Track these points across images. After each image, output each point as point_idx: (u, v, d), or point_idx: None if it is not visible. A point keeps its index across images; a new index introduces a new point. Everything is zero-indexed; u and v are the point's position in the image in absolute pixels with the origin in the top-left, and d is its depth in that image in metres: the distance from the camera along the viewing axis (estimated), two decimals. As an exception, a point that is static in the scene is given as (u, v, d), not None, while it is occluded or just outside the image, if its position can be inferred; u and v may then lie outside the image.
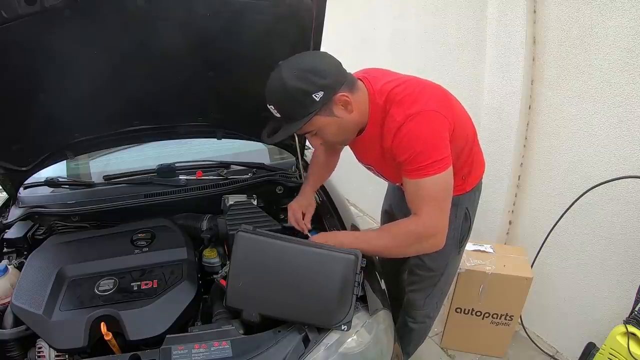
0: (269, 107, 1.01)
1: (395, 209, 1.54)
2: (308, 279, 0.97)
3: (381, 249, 1.11)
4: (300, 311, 0.97)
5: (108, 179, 1.58)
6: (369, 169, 1.33)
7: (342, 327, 0.95)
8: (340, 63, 1.04)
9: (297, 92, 0.96)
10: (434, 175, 1.01)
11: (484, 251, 1.90)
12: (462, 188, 1.28)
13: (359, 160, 1.35)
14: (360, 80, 1.10)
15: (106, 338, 0.95)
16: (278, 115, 1.01)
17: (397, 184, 1.37)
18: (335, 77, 1.00)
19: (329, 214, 1.45)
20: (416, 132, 1.00)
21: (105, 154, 1.82)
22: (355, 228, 1.42)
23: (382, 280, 1.22)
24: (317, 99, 0.97)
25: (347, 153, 1.45)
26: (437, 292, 1.46)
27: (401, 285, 1.53)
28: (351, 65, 1.17)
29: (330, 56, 1.04)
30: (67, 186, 1.57)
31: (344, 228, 1.36)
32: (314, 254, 0.99)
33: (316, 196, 1.51)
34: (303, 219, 1.34)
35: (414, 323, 1.52)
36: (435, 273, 1.39)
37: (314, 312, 0.96)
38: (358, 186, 3.32)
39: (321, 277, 0.97)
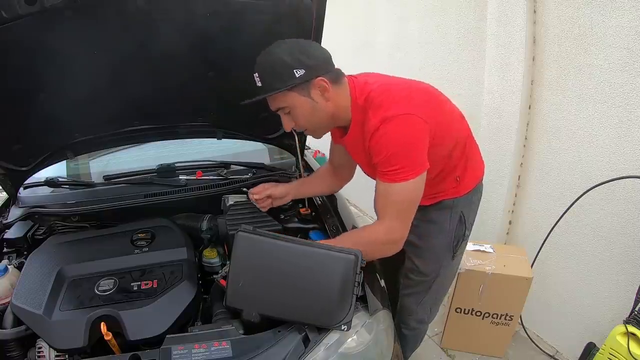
0: (254, 76, 1.04)
1: None
2: (308, 279, 0.97)
3: None
4: (300, 311, 0.97)
5: (108, 179, 1.57)
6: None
7: (342, 327, 0.95)
8: (330, 56, 1.07)
9: (280, 62, 1.00)
10: (403, 181, 1.01)
11: (484, 251, 1.90)
12: (456, 191, 1.25)
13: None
14: (350, 79, 1.12)
15: (106, 338, 0.95)
16: (259, 84, 1.04)
17: None
18: (320, 63, 1.04)
19: (329, 214, 1.45)
20: (389, 136, 1.01)
21: (105, 154, 1.82)
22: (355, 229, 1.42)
23: (382, 280, 1.23)
24: (297, 75, 1.00)
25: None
26: (430, 298, 1.42)
27: (398, 289, 1.52)
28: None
29: (324, 48, 1.07)
30: (67, 186, 1.56)
31: (344, 228, 1.36)
32: (313, 254, 0.99)
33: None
34: (265, 202, 1.37)
35: (406, 329, 1.49)
36: (428, 278, 1.36)
37: (314, 312, 0.96)
38: (358, 186, 3.30)
39: (321, 277, 0.97)
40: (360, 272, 0.98)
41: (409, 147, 1.01)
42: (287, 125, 1.12)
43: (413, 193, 1.04)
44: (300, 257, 0.98)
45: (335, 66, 1.09)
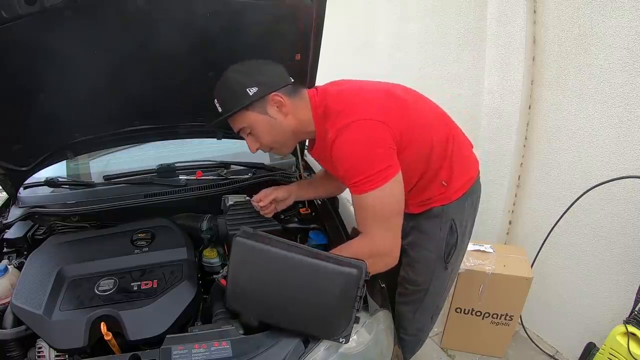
0: (215, 102, 1.06)
1: None
2: (307, 290, 0.92)
3: None
4: (297, 321, 0.94)
5: (108, 179, 1.57)
6: None
7: (340, 340, 0.92)
8: (285, 71, 1.08)
9: (232, 82, 1.02)
10: (373, 190, 0.96)
11: (484, 251, 1.90)
12: (446, 196, 1.19)
13: None
14: (311, 90, 1.11)
15: (106, 338, 0.95)
16: (220, 109, 1.06)
17: None
18: (274, 78, 1.04)
19: (329, 215, 1.45)
20: (346, 147, 0.98)
21: (105, 154, 1.82)
22: (356, 231, 1.41)
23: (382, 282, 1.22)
24: (251, 94, 1.01)
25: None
26: (427, 307, 1.37)
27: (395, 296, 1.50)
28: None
29: (278, 64, 1.08)
30: (67, 186, 1.57)
31: (344, 230, 1.36)
32: (314, 266, 0.92)
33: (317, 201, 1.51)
34: (269, 208, 1.32)
35: (405, 334, 1.45)
36: (420, 287, 1.32)
37: (311, 324, 0.93)
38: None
39: (321, 289, 0.91)
40: (363, 285, 0.91)
41: (371, 152, 0.97)
42: (252, 146, 1.11)
43: (390, 199, 0.99)
44: (300, 269, 0.93)
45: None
